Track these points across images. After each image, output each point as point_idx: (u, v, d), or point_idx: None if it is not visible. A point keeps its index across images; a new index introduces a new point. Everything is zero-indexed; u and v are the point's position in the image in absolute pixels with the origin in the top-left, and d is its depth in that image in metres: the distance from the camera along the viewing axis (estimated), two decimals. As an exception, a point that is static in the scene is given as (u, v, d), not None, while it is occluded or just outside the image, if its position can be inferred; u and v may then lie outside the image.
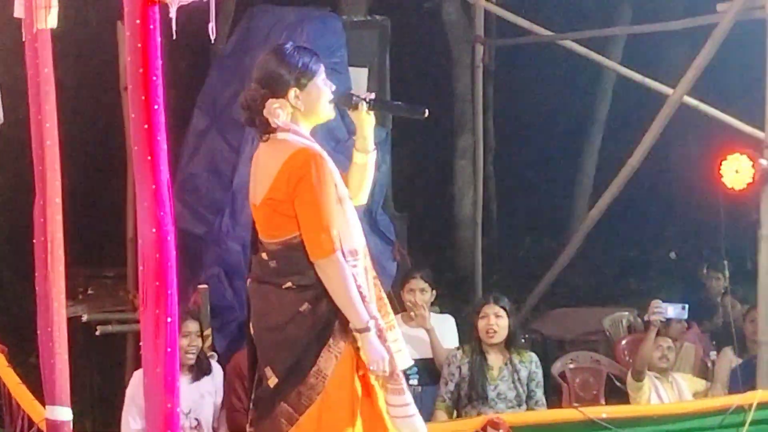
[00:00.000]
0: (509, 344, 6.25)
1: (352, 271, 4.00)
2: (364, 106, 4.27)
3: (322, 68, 4.15)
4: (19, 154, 5.60)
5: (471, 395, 6.19)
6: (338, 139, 7.90)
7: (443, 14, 11.15)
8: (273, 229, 4.05)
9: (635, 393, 6.62)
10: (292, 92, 4.04)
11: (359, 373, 4.07)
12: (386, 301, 4.31)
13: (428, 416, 6.07)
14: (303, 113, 4.10)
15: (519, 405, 6.16)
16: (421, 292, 6.64)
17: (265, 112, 4.03)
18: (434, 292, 6.74)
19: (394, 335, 4.22)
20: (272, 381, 4.03)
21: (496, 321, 6.20)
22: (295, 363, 3.99)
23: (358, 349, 4.03)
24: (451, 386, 6.26)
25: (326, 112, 4.20)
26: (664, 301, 6.81)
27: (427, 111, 4.46)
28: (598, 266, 11.90)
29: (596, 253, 11.61)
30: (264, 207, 4.05)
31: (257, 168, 4.13)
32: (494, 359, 6.23)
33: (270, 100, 4.02)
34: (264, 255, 4.10)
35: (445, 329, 6.68)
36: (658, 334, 6.68)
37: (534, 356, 6.32)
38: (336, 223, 3.97)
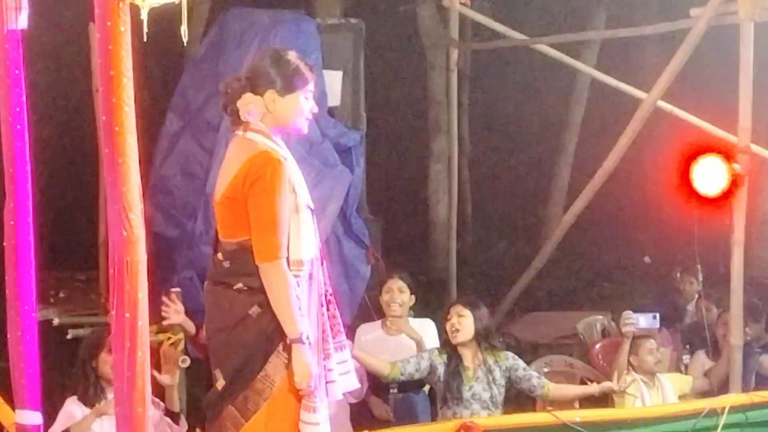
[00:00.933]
0: (480, 343, 6.24)
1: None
2: None
3: (310, 87, 4.14)
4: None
5: (446, 396, 6.20)
6: (312, 142, 7.89)
7: (418, 18, 11.15)
8: (228, 228, 4.05)
9: (619, 399, 6.65)
10: (269, 93, 4.04)
11: None
12: (339, 320, 4.29)
13: (410, 422, 6.09)
14: (274, 118, 4.08)
15: (494, 406, 6.16)
16: (399, 292, 6.62)
17: (239, 103, 4.04)
18: (413, 296, 6.70)
19: (343, 356, 4.22)
20: (220, 383, 4.04)
21: (458, 320, 6.22)
22: (243, 366, 3.99)
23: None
24: (411, 367, 6.22)
25: (297, 127, 4.17)
26: (637, 309, 6.83)
27: None
28: (573, 270, 11.93)
29: (570, 257, 11.64)
30: (221, 205, 4.05)
31: (223, 164, 4.13)
32: (470, 360, 6.24)
33: (247, 94, 4.04)
34: (219, 255, 4.10)
35: (427, 334, 6.66)
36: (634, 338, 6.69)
37: (509, 353, 6.33)
38: (285, 231, 3.94)
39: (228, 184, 4.00)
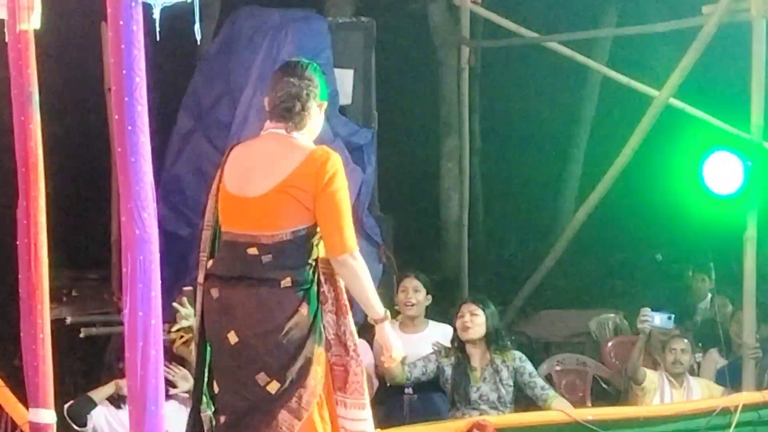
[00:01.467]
0: (489, 343, 6.23)
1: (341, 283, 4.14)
2: None
3: None
4: (2, 156, 5.56)
5: (454, 397, 6.19)
6: (323, 141, 7.86)
7: (429, 16, 11.12)
8: (282, 218, 4.00)
9: (639, 393, 6.66)
10: (325, 103, 4.22)
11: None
12: (360, 380, 4.29)
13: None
14: (314, 125, 4.19)
15: (503, 406, 6.16)
16: (414, 291, 6.61)
17: (310, 108, 4.13)
18: (430, 296, 6.67)
19: (362, 413, 4.22)
20: (273, 386, 3.96)
21: (470, 318, 6.23)
22: (301, 366, 3.97)
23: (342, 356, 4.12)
24: (417, 371, 6.20)
25: (317, 134, 4.27)
26: (651, 307, 6.84)
27: None
28: (585, 268, 11.91)
29: (582, 255, 11.61)
30: (276, 196, 4.00)
31: (256, 160, 4.09)
32: (477, 361, 6.24)
33: (313, 101, 4.13)
34: (252, 250, 4.02)
35: (446, 340, 6.60)
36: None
37: (517, 353, 6.33)
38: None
39: (287, 176, 3.99)
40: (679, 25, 8.47)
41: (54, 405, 4.30)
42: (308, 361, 3.97)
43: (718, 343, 7.33)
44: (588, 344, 8.26)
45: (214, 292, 4.09)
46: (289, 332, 3.95)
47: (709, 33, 7.58)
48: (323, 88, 4.20)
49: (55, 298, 6.49)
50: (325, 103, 4.25)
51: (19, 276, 4.42)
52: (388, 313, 4.17)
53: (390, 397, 6.50)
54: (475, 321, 6.23)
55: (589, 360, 7.54)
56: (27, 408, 4.44)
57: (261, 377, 3.97)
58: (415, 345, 6.59)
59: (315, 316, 4.01)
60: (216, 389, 4.14)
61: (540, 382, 6.27)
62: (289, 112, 4.08)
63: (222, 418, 4.11)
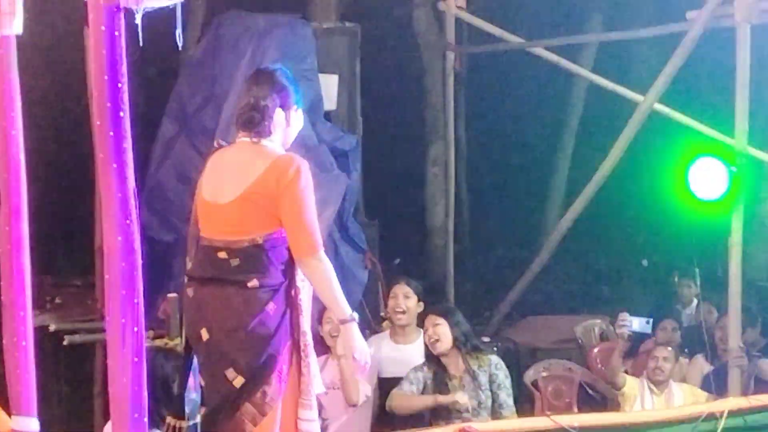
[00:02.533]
0: (460, 350, 6.17)
1: (299, 283, 4.22)
2: None
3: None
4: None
5: (435, 408, 6.14)
6: (308, 146, 7.86)
7: (414, 21, 11.12)
8: (247, 225, 4.15)
9: (620, 399, 6.67)
10: (293, 110, 4.33)
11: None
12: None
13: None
14: (287, 133, 4.35)
15: (484, 410, 6.10)
16: (404, 298, 6.55)
17: (273, 116, 4.25)
18: (422, 303, 6.62)
19: (310, 414, 4.32)
20: (238, 381, 4.11)
21: (434, 330, 6.18)
22: (264, 362, 4.10)
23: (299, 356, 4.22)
24: (407, 386, 6.19)
25: (292, 140, 4.42)
26: (633, 313, 6.84)
27: None
28: (570, 274, 11.90)
29: (568, 261, 11.61)
30: (241, 203, 4.15)
31: (226, 167, 4.26)
32: (454, 369, 6.18)
33: (278, 109, 4.26)
34: (222, 254, 4.17)
35: None
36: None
37: (494, 358, 6.24)
38: (318, 226, 4.19)
39: (252, 182, 4.14)
40: (663, 31, 8.49)
41: (37, 413, 4.28)
42: (272, 359, 4.11)
43: (703, 349, 7.33)
44: (574, 350, 8.25)
45: (190, 292, 4.28)
46: (254, 330, 4.09)
47: (694, 38, 7.59)
48: (296, 94, 4.35)
49: (38, 305, 6.44)
50: (299, 109, 4.38)
51: (1, 283, 4.40)
52: (355, 314, 4.24)
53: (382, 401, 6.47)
54: (439, 331, 6.17)
55: (576, 366, 7.53)
56: (10, 416, 4.42)
57: (230, 373, 4.12)
58: (408, 356, 6.55)
59: (283, 315, 4.14)
60: (202, 383, 4.29)
61: (503, 397, 6.14)
62: (250, 122, 4.25)
63: (203, 410, 4.31)
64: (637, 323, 6.74)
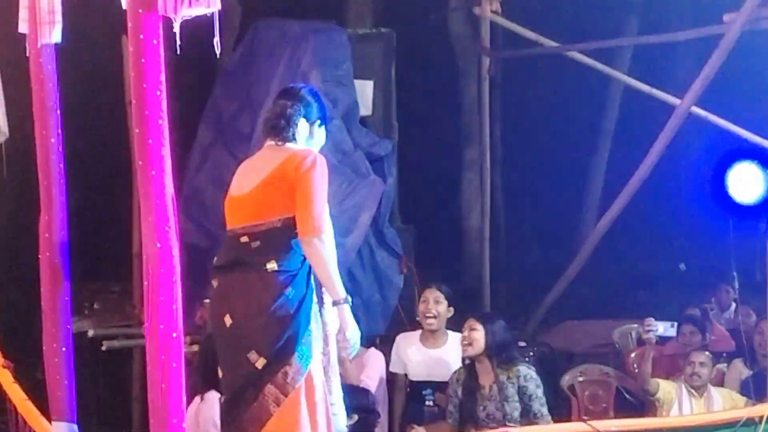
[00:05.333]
0: (491, 359, 6.12)
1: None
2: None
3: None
4: (25, 169, 5.58)
5: (463, 417, 6.12)
6: (344, 151, 7.91)
7: (449, 26, 11.13)
8: (268, 208, 4.38)
9: (657, 404, 6.63)
10: (317, 124, 4.63)
11: None
12: None
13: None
14: (312, 145, 4.60)
15: (510, 423, 6.02)
16: (435, 303, 6.53)
17: (297, 124, 4.53)
18: (452, 308, 6.59)
19: (333, 399, 4.49)
20: (260, 363, 4.28)
21: (469, 333, 6.14)
22: (285, 344, 4.28)
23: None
24: (451, 406, 6.20)
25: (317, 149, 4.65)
26: (671, 317, 6.81)
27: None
28: (607, 278, 11.84)
29: (605, 265, 11.54)
30: (262, 188, 4.41)
31: (252, 167, 4.55)
32: (485, 378, 6.11)
33: (302, 119, 4.56)
34: (244, 238, 4.38)
35: None
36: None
37: (522, 370, 6.11)
38: (326, 209, 4.37)
39: (269, 173, 4.40)
40: (700, 33, 8.45)
41: (76, 418, 4.32)
42: (292, 340, 4.28)
43: (742, 353, 7.28)
44: (611, 355, 8.20)
45: (215, 282, 4.48)
46: (274, 313, 4.27)
47: (731, 41, 7.54)
48: (321, 111, 4.64)
49: (77, 311, 6.49)
50: (323, 126, 4.65)
51: (41, 290, 4.44)
52: (349, 298, 4.42)
53: (411, 404, 6.48)
54: (473, 336, 6.12)
55: (612, 371, 7.49)
56: (50, 421, 4.46)
57: (252, 355, 4.30)
58: (435, 361, 6.54)
59: (303, 299, 4.32)
60: (220, 374, 4.46)
61: (536, 407, 6.03)
62: (275, 128, 4.52)
63: (222, 399, 4.47)
64: (662, 327, 6.71)
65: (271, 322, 4.27)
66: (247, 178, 4.51)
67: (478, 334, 6.12)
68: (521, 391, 6.05)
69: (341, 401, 4.54)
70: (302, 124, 4.55)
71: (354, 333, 4.44)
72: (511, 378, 6.07)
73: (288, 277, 4.31)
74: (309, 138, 4.59)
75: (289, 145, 4.50)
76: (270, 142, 4.55)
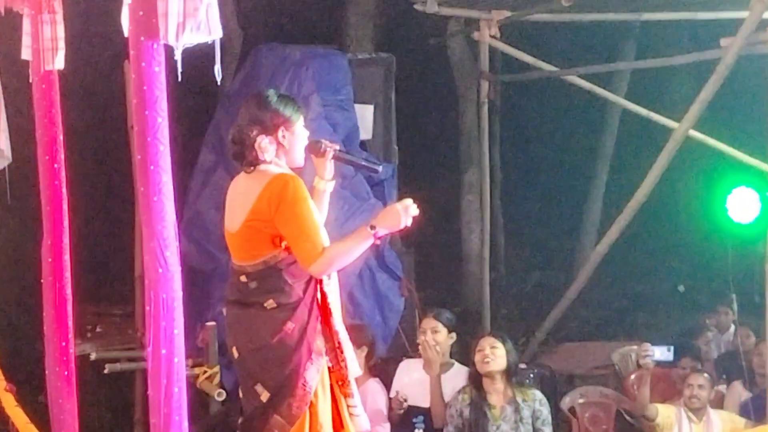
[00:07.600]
0: (510, 378, 6.13)
1: (326, 288, 4.34)
2: (329, 154, 4.56)
3: (302, 117, 4.48)
4: (28, 194, 5.62)
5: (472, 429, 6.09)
6: (345, 175, 7.92)
7: (448, 50, 11.20)
8: (254, 249, 4.31)
9: (657, 428, 6.63)
10: (281, 131, 4.37)
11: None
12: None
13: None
14: (286, 151, 4.42)
15: None
16: (432, 333, 6.46)
17: (255, 146, 4.33)
18: (453, 334, 6.51)
19: (354, 401, 4.51)
20: (265, 396, 4.31)
21: (491, 351, 6.12)
22: (287, 378, 4.28)
23: (329, 366, 4.39)
24: (451, 428, 6.18)
25: (301, 155, 4.50)
26: (668, 340, 6.83)
27: (380, 168, 4.88)
28: (607, 300, 11.87)
29: (604, 287, 11.59)
30: (245, 230, 4.31)
31: (235, 197, 4.43)
32: (496, 398, 6.09)
33: (261, 137, 4.33)
34: (243, 278, 4.34)
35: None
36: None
37: (538, 393, 6.17)
38: (318, 229, 4.26)
39: (250, 209, 4.28)
40: (697, 58, 8.49)
41: (78, 441, 4.33)
42: (294, 373, 4.28)
43: (741, 375, 7.29)
44: (611, 376, 8.22)
45: (225, 312, 4.49)
46: (274, 349, 4.27)
47: (728, 65, 7.58)
48: (286, 110, 4.36)
49: (79, 334, 6.52)
50: (297, 122, 4.40)
51: (44, 313, 4.47)
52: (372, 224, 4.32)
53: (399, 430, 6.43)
54: (496, 353, 6.12)
55: (613, 392, 7.51)
56: (52, 444, 4.48)
57: (258, 388, 4.33)
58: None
59: (306, 328, 4.29)
60: (241, 395, 4.51)
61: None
62: (237, 156, 4.40)
63: (239, 420, 4.53)
64: (659, 352, 6.72)
65: (272, 358, 4.29)
66: (234, 213, 4.39)
67: (500, 352, 6.10)
68: (534, 415, 6.05)
69: (360, 403, 4.55)
70: (262, 142, 4.32)
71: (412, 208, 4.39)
72: (527, 400, 6.07)
73: (288, 311, 4.28)
74: (280, 149, 4.37)
75: (261, 167, 4.33)
76: (243, 169, 4.40)
